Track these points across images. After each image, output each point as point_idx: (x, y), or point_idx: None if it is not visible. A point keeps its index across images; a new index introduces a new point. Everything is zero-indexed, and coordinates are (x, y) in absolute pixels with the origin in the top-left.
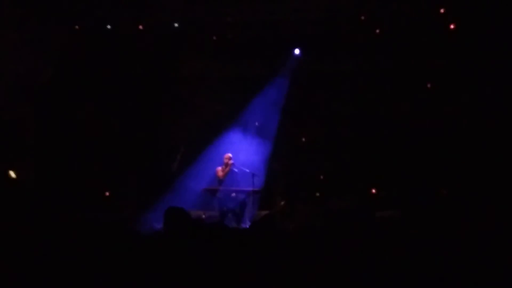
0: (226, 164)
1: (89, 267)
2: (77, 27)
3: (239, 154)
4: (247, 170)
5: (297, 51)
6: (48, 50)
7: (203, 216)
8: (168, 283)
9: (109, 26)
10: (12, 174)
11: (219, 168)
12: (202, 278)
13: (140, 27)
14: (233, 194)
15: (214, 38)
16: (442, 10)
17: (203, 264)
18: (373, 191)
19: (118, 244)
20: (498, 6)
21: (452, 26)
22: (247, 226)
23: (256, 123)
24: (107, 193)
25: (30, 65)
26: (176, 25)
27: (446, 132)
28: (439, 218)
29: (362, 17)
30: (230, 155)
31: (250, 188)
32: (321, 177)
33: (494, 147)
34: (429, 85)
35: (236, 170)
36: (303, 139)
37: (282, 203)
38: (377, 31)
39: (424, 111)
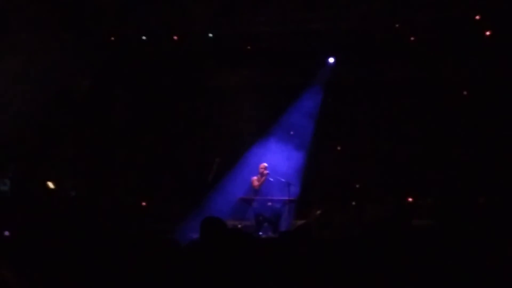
0: (262, 174)
1: (129, 277)
2: (112, 38)
3: (275, 164)
4: (283, 180)
5: (331, 60)
6: (85, 61)
7: (239, 226)
8: None
9: (144, 37)
10: (51, 185)
11: (255, 178)
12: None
13: (175, 37)
14: (269, 204)
15: (248, 48)
16: (477, 17)
17: (239, 273)
18: (410, 199)
19: (156, 254)
20: None
21: (488, 33)
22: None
23: (291, 132)
24: (144, 204)
25: (68, 77)
26: (210, 35)
27: (483, 141)
28: (477, 227)
29: (397, 25)
30: (265, 164)
31: (286, 197)
32: (357, 185)
33: None
34: (465, 93)
35: (271, 179)
36: (338, 148)
37: (318, 212)
38: (412, 38)
39: (460, 120)
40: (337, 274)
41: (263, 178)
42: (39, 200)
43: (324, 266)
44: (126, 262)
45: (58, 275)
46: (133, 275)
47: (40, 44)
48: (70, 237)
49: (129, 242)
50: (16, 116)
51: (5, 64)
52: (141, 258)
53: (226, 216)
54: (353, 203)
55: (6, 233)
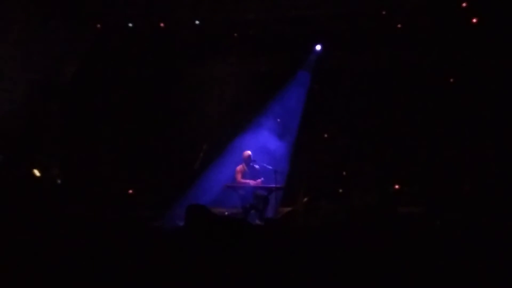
0: (246, 161)
1: (113, 262)
2: (98, 26)
3: (261, 151)
4: (269, 167)
5: (318, 47)
6: (71, 49)
7: (226, 213)
8: (190, 278)
9: (130, 25)
10: (37, 172)
11: (238, 169)
12: (223, 274)
13: (162, 25)
14: (256, 191)
15: (235, 35)
16: (464, 4)
17: (224, 259)
18: (396, 187)
19: (141, 241)
20: None
21: (474, 20)
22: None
23: (278, 120)
24: (130, 191)
25: (53, 64)
26: (197, 22)
27: (470, 128)
28: (461, 214)
29: (383, 12)
30: (249, 152)
31: (273, 185)
32: (344, 173)
33: None
34: (451, 80)
35: (257, 166)
36: (325, 135)
37: (305, 199)
38: (399, 26)
39: (446, 107)
40: (323, 260)
41: (246, 168)
42: (25, 187)
43: (310, 253)
44: (112, 249)
45: (43, 259)
46: (120, 261)
47: (26, 31)
48: (55, 224)
49: (116, 229)
50: (3, 104)
51: None
52: (127, 245)
53: (213, 204)
54: (340, 190)
55: None
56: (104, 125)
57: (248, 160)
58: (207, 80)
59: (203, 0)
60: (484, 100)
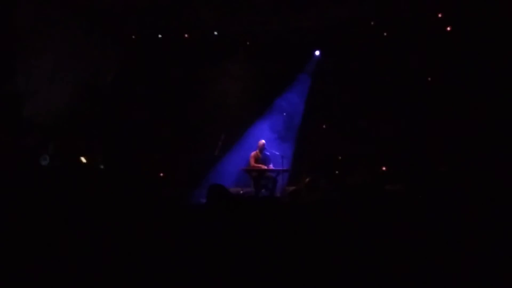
0: (259, 149)
1: (151, 232)
2: (133, 37)
3: (271, 140)
4: (277, 153)
5: (317, 53)
6: (110, 56)
7: (241, 191)
8: (210, 246)
9: (160, 36)
10: (83, 159)
11: (252, 154)
12: (238, 242)
13: (186, 35)
14: (266, 173)
15: (248, 43)
16: (440, 15)
17: (239, 230)
18: (383, 168)
19: (172, 215)
20: (488, 10)
21: (448, 28)
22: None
23: (284, 114)
24: (162, 174)
25: (96, 69)
26: (216, 33)
27: (445, 122)
28: (437, 191)
29: (372, 23)
30: (263, 141)
31: (280, 168)
32: (339, 157)
33: (488, 132)
34: (429, 79)
35: (268, 153)
36: (324, 126)
37: (307, 179)
38: (385, 34)
39: (423, 103)
40: (321, 230)
41: (260, 154)
42: (73, 172)
43: (310, 223)
44: (147, 223)
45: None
46: (152, 230)
47: (74, 42)
48: (100, 202)
49: (150, 207)
50: (54, 103)
51: (43, 61)
52: (159, 220)
53: (230, 184)
54: (336, 172)
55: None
56: (138, 118)
57: (262, 148)
58: (224, 80)
59: (220, 15)
60: (458, 94)
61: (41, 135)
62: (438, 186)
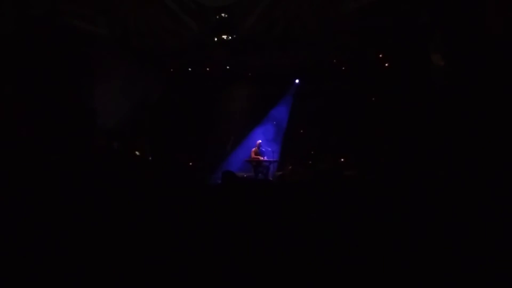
0: (257, 146)
1: (180, 206)
2: (172, 70)
3: (265, 140)
4: (270, 149)
5: (297, 81)
6: (156, 83)
7: (245, 175)
8: (227, 214)
9: (190, 69)
10: (137, 153)
11: (253, 150)
12: (244, 210)
13: (208, 69)
14: (262, 163)
15: (250, 74)
16: (380, 55)
17: (244, 203)
18: (342, 159)
19: (199, 191)
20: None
21: (387, 64)
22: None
23: (274, 122)
24: (191, 163)
25: (146, 92)
26: (228, 67)
27: (386, 123)
28: (378, 174)
29: (334, 61)
30: (260, 141)
31: (272, 159)
32: (312, 152)
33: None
34: (373, 99)
35: (263, 149)
36: (301, 131)
37: (290, 167)
38: (343, 68)
39: (371, 112)
40: (299, 203)
41: (258, 149)
42: (132, 161)
43: (293, 197)
44: (183, 198)
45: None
46: (181, 205)
47: (129, 75)
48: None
49: (183, 186)
50: (117, 115)
51: (110, 86)
52: (192, 195)
53: (237, 170)
54: (310, 162)
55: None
56: (175, 126)
57: (259, 145)
58: (231, 98)
59: (231, 55)
60: (393, 103)
61: (108, 138)
62: (378, 172)
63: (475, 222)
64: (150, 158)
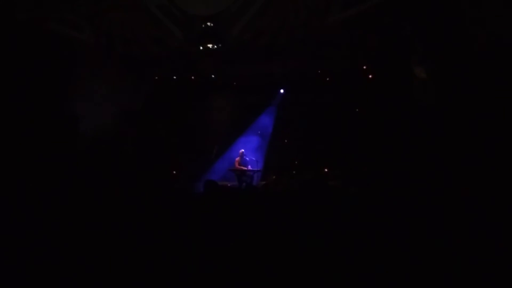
0: (241, 156)
1: (162, 215)
2: (156, 77)
3: (249, 149)
4: (253, 158)
5: (282, 91)
6: (140, 90)
7: (228, 185)
8: (209, 222)
9: (174, 77)
10: (120, 160)
11: (237, 159)
12: (226, 219)
13: (192, 77)
14: (245, 172)
15: (235, 83)
16: (364, 67)
17: (226, 212)
18: (326, 170)
19: (180, 200)
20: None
21: (370, 76)
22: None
23: (259, 132)
24: (174, 172)
25: (129, 99)
26: (213, 76)
27: (370, 134)
28: (361, 184)
29: (319, 71)
30: (242, 150)
31: (256, 168)
32: (296, 162)
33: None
34: (357, 110)
35: (247, 158)
36: (286, 141)
37: (274, 177)
38: (327, 79)
39: (352, 124)
40: (283, 212)
41: (241, 159)
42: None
43: (277, 206)
44: (161, 206)
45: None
46: (163, 214)
47: (113, 82)
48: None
49: (166, 195)
50: (100, 122)
51: (93, 93)
52: (171, 203)
53: (220, 179)
54: (294, 172)
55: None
56: (158, 134)
57: (242, 155)
58: (216, 107)
59: (216, 64)
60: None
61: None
62: (361, 181)
63: (461, 236)
64: (133, 166)
